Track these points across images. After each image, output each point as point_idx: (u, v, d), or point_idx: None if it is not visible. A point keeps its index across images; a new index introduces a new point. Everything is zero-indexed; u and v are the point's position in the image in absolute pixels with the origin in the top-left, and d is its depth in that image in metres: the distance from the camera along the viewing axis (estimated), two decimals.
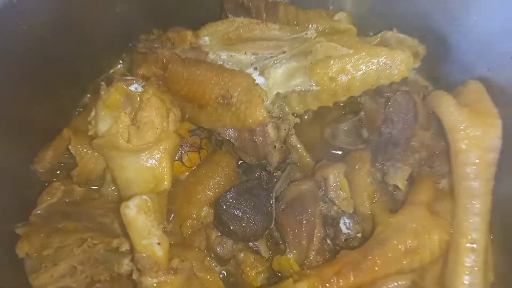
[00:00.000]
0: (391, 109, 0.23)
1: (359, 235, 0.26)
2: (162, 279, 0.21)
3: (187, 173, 0.27)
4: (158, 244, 0.21)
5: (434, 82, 0.26)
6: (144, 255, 0.21)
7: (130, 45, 0.27)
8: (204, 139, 0.26)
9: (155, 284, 0.21)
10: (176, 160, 0.26)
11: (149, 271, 0.21)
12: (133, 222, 0.20)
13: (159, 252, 0.21)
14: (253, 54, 0.23)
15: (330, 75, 0.23)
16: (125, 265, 0.22)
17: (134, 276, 0.21)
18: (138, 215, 0.19)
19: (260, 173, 0.27)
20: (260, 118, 0.20)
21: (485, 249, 0.20)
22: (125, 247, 0.22)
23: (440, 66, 0.25)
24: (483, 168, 0.20)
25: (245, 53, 0.23)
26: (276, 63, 0.23)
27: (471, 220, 0.19)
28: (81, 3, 0.25)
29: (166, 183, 0.20)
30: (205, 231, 0.28)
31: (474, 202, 0.20)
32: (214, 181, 0.29)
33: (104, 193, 0.22)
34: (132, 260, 0.22)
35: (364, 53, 0.23)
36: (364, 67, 0.23)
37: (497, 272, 0.22)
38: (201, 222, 0.29)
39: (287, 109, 0.24)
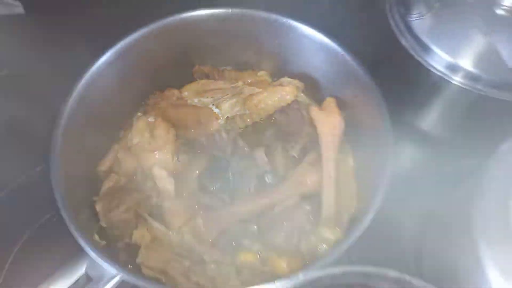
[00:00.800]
0: (289, 118, 0.42)
1: None
2: None
3: None
4: None
5: (316, 101, 0.45)
6: None
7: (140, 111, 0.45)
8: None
9: None
10: None
11: None
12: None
13: None
14: (211, 97, 0.43)
15: (254, 103, 0.43)
16: None
17: None
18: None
19: None
20: (216, 127, 0.40)
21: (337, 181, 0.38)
22: None
23: (317, 92, 0.45)
24: (335, 144, 0.39)
25: (207, 97, 0.43)
26: (224, 101, 0.43)
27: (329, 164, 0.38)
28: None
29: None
30: None
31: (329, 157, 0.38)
32: None
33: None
34: None
35: (270, 91, 0.42)
36: (271, 98, 0.42)
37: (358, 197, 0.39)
38: None
39: (234, 124, 0.43)
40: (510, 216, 0.28)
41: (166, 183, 0.35)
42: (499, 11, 0.38)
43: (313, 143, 0.41)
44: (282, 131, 0.42)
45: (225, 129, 0.41)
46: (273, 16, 0.41)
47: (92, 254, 0.29)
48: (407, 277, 0.26)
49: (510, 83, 0.37)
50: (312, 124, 0.41)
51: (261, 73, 0.46)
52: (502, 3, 0.37)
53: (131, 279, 0.29)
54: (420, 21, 0.40)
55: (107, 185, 0.39)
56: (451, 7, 0.39)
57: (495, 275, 0.27)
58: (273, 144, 0.41)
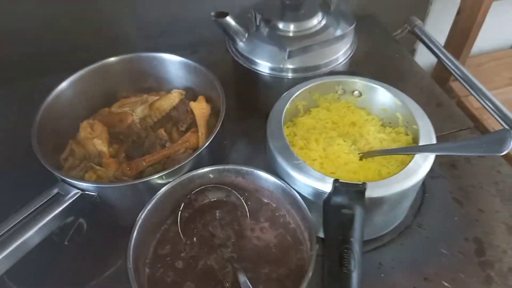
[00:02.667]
0: (178, 111, 0.69)
1: None
2: None
3: None
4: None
5: (193, 99, 0.72)
6: None
7: None
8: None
9: None
10: None
11: None
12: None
13: None
14: (129, 107, 0.69)
15: (156, 107, 0.69)
16: None
17: None
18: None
19: None
20: (132, 121, 0.65)
21: None
22: None
23: (193, 94, 0.72)
24: (204, 120, 0.66)
25: (126, 107, 0.69)
26: (137, 107, 0.69)
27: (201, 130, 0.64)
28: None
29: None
30: None
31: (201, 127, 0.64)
32: None
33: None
34: None
35: (164, 98, 0.69)
36: (165, 102, 0.69)
37: None
38: None
39: (145, 122, 0.69)
40: None
41: (102, 147, 0.60)
42: (282, 33, 0.68)
43: (193, 122, 0.67)
44: (175, 119, 0.68)
45: (139, 122, 0.66)
46: (154, 56, 0.69)
47: (60, 176, 0.52)
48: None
49: (291, 69, 0.66)
50: (192, 112, 0.68)
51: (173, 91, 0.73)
52: (279, 27, 0.68)
53: (90, 186, 0.51)
54: (242, 43, 0.69)
55: (66, 165, 0.62)
56: (257, 33, 0.70)
57: None
58: (168, 125, 0.67)
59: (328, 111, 0.65)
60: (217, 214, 0.57)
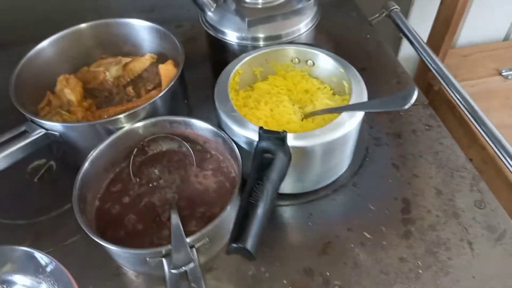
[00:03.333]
0: (148, 72, 0.75)
1: None
2: None
3: None
4: None
5: (162, 62, 0.78)
6: None
7: None
8: None
9: None
10: None
11: None
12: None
13: None
14: (104, 67, 0.76)
15: (129, 68, 0.76)
16: None
17: None
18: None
19: None
20: (104, 78, 0.72)
21: None
22: None
23: (163, 58, 0.78)
24: (170, 80, 0.72)
25: (101, 67, 0.76)
26: (111, 67, 0.75)
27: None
28: None
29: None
30: None
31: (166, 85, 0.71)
32: None
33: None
34: None
35: (137, 60, 0.76)
36: (138, 64, 0.75)
37: None
38: None
39: (119, 81, 0.75)
40: None
41: (71, 96, 0.66)
42: (247, 5, 0.73)
43: (160, 82, 0.73)
44: (145, 79, 0.75)
45: (113, 81, 0.73)
46: (126, 22, 0.75)
47: (27, 115, 0.59)
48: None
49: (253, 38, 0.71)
50: (159, 73, 0.74)
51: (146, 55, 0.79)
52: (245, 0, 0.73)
53: (53, 126, 0.58)
54: (211, 14, 0.75)
55: (42, 113, 0.69)
56: (224, 4, 0.75)
57: None
58: (139, 85, 0.73)
59: (284, 78, 0.70)
60: (167, 161, 0.63)
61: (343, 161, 0.62)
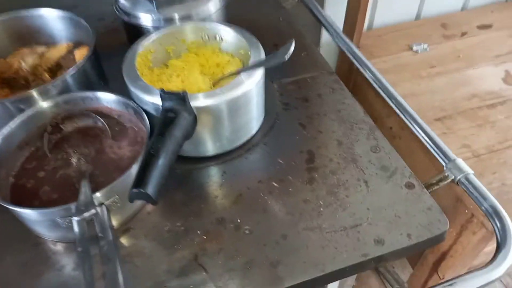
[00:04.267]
0: (65, 60, 0.77)
1: None
2: None
3: None
4: None
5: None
6: None
7: None
8: None
9: None
10: None
11: None
12: None
13: None
14: (20, 57, 0.77)
15: (47, 57, 0.77)
16: None
17: None
18: None
19: None
20: (18, 67, 0.73)
21: None
22: None
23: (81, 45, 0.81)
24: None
25: (16, 57, 0.77)
26: (27, 57, 0.77)
27: None
28: None
29: None
30: None
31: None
32: None
33: None
34: None
35: (54, 49, 0.77)
36: (55, 53, 0.77)
37: None
38: None
39: (37, 70, 0.77)
40: None
41: None
42: None
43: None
44: (63, 66, 0.76)
45: (30, 70, 0.74)
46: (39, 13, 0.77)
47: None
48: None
49: (163, 20, 0.75)
50: (75, 60, 0.76)
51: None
52: None
53: None
54: (124, 0, 0.78)
55: None
56: None
57: None
58: (57, 73, 0.75)
59: (196, 55, 0.74)
60: (83, 137, 0.65)
61: (252, 121, 0.66)
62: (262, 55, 0.64)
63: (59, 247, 0.56)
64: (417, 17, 1.40)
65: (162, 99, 0.56)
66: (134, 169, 0.53)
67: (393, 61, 1.21)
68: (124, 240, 0.56)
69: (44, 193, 0.57)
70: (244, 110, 0.63)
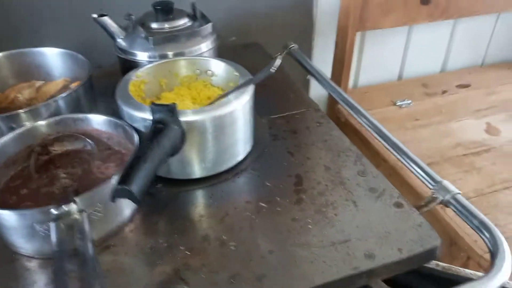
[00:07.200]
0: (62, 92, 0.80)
1: None
2: None
3: None
4: None
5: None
6: None
7: None
8: None
9: None
10: None
11: None
12: None
13: None
14: (18, 91, 0.79)
15: (43, 90, 0.80)
16: None
17: None
18: None
19: None
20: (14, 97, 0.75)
21: None
22: None
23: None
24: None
25: (13, 91, 0.79)
26: (24, 91, 0.79)
27: None
28: None
29: None
30: None
31: None
32: None
33: None
34: None
35: (51, 84, 0.81)
36: (52, 87, 0.80)
37: None
38: None
39: (32, 102, 0.79)
40: None
41: None
42: (153, 30, 0.83)
43: None
44: None
45: (21, 98, 0.76)
46: (39, 51, 0.82)
47: None
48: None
49: (159, 56, 0.80)
50: None
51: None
52: (151, 26, 0.83)
53: None
54: (121, 40, 0.84)
55: None
56: (134, 31, 0.84)
57: None
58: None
59: (188, 88, 0.78)
60: (71, 159, 0.65)
61: (238, 144, 0.67)
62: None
63: (34, 263, 0.53)
64: (399, 77, 1.49)
65: (153, 111, 0.57)
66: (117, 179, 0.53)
67: (378, 114, 1.26)
68: (104, 257, 0.53)
69: (25, 207, 0.56)
70: (230, 130, 0.64)
